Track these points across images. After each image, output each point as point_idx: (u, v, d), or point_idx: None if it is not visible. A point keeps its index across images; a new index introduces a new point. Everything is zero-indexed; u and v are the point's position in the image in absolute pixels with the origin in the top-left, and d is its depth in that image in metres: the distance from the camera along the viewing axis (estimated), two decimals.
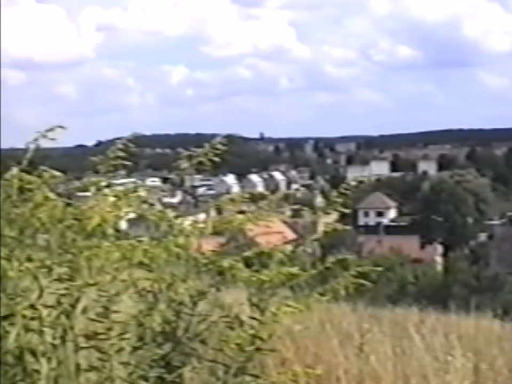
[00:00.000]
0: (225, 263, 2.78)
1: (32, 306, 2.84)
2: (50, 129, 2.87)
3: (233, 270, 2.85)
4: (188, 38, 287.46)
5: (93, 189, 3.01)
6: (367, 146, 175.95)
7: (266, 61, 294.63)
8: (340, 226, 3.73)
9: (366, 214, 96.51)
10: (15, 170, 3.08)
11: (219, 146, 3.26)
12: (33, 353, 2.83)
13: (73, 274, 2.94)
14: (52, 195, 2.75)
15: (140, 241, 2.98)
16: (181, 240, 2.89)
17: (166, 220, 3.01)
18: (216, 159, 3.25)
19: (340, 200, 3.42)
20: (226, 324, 3.16)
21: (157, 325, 3.07)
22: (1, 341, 2.85)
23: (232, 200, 3.39)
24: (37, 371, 2.84)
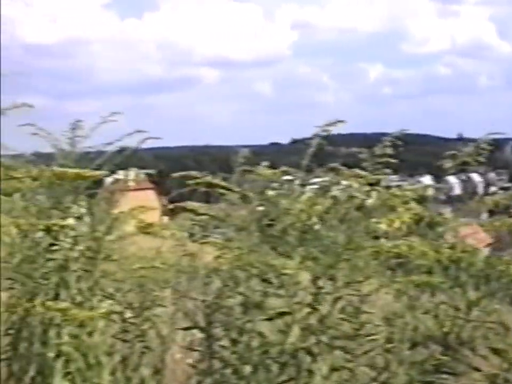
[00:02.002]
0: None
1: (309, 305, 2.76)
2: (334, 123, 2.78)
3: None
4: (385, 35, 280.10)
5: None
6: None
7: (465, 58, 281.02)
8: None
9: None
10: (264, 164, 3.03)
11: (484, 146, 3.07)
12: (310, 353, 2.75)
13: (335, 274, 2.85)
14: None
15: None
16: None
17: (444, 223, 2.85)
18: (481, 159, 3.06)
19: None
20: (493, 330, 2.96)
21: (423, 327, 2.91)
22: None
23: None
24: (311, 371, 2.76)
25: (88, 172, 2.51)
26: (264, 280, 2.78)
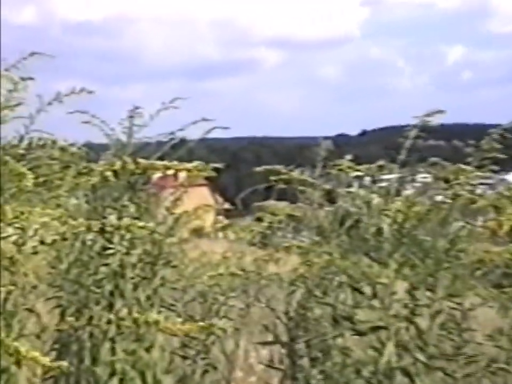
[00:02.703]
0: None
1: (406, 319, 2.45)
2: (433, 113, 2.48)
3: None
4: (466, 11, 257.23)
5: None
6: None
7: None
8: None
9: None
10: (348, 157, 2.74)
11: None
12: (407, 373, 2.44)
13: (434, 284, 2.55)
14: None
15: None
16: None
17: None
18: None
19: None
20: None
21: None
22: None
23: None
24: None
25: (180, 165, 2.20)
26: (355, 290, 2.47)
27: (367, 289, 2.47)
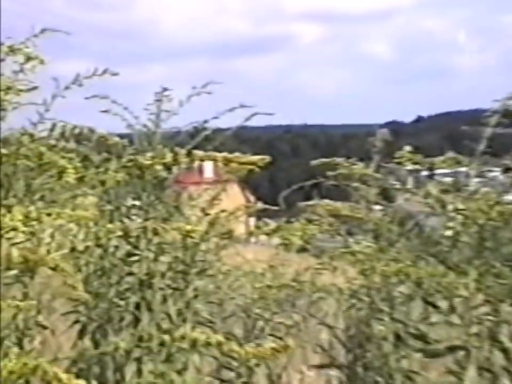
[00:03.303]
0: None
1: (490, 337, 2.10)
2: None
3: None
4: None
5: None
6: None
7: None
8: None
9: None
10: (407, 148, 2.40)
11: None
12: None
13: None
14: None
15: None
16: None
17: None
18: None
19: None
20: None
21: None
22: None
23: None
24: None
25: (243, 157, 1.85)
26: (428, 303, 2.12)
27: (443, 303, 2.13)
